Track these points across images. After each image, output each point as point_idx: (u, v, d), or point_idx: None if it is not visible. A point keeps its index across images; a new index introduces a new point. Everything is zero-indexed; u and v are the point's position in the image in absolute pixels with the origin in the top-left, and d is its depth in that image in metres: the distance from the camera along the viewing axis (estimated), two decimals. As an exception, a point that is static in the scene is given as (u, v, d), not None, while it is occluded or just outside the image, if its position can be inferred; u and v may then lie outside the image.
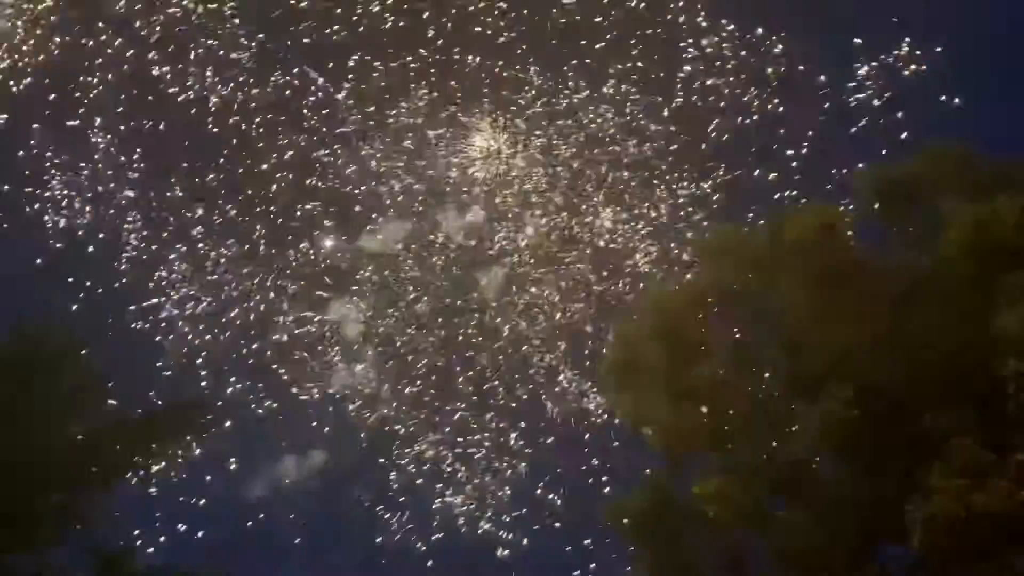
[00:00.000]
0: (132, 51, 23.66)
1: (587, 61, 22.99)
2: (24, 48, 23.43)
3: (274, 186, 24.49)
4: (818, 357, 17.02)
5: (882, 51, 22.54)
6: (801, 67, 22.29)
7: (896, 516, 15.89)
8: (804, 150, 22.18)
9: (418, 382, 24.47)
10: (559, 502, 23.63)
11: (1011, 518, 14.52)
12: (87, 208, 24.66)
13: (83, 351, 16.93)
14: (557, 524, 23.64)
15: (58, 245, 24.69)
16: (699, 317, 18.35)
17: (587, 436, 23.09)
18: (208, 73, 23.81)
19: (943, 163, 18.63)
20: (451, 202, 24.09)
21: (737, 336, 18.75)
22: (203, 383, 24.93)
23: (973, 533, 14.64)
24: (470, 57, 23.33)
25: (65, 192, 24.60)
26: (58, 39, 23.55)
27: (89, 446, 16.03)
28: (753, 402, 18.12)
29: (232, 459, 24.57)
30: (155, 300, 24.80)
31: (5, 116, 23.97)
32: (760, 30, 22.53)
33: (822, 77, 22.52)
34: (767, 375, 18.46)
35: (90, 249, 24.76)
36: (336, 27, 23.42)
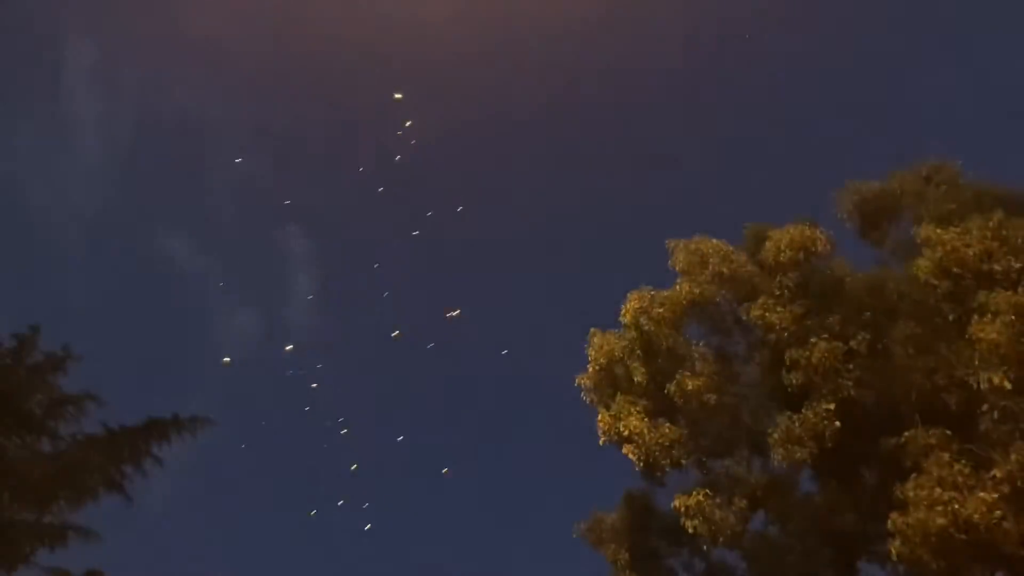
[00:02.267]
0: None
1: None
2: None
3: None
4: (799, 372, 16.99)
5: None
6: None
7: (874, 533, 15.92)
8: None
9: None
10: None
11: (988, 532, 14.58)
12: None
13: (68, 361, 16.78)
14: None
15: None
16: (679, 331, 18.28)
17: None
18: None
19: (924, 180, 18.76)
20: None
21: (717, 350, 18.74)
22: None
23: (951, 546, 14.69)
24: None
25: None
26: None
27: (63, 463, 15.88)
28: (733, 417, 18.07)
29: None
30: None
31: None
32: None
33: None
34: (748, 390, 18.44)
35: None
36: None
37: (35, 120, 37.14)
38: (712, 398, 17.39)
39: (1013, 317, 15.17)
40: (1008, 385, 14.87)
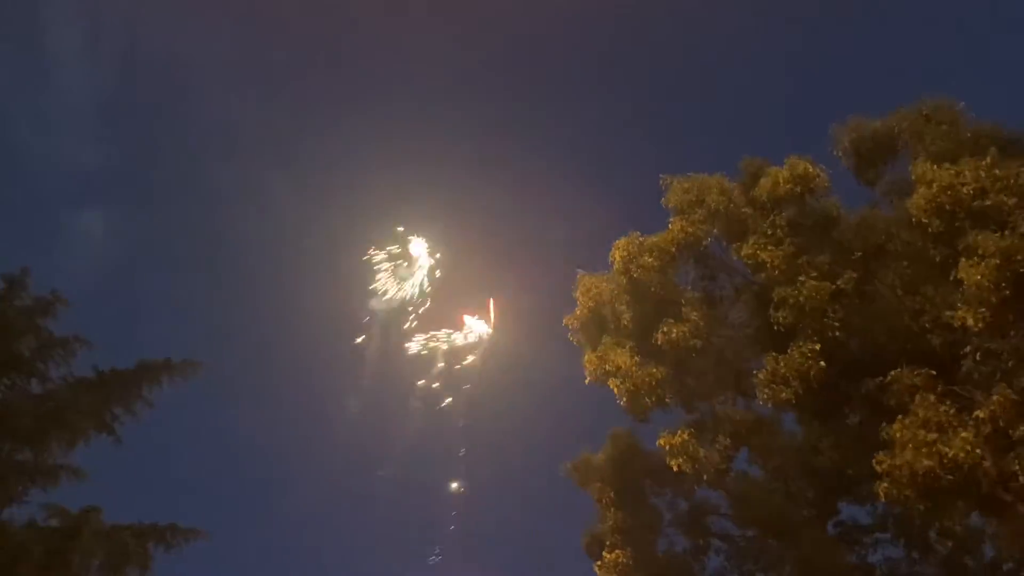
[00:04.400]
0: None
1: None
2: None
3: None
4: (787, 310, 16.87)
5: None
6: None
7: (856, 473, 16.00)
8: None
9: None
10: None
11: (971, 472, 14.64)
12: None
13: (60, 305, 16.92)
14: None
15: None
16: (667, 271, 18.12)
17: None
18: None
19: (924, 119, 18.26)
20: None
21: (705, 290, 18.60)
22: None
23: (936, 486, 14.76)
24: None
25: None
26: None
27: (54, 404, 16.11)
28: (719, 358, 18.04)
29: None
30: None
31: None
32: None
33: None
34: (734, 331, 18.36)
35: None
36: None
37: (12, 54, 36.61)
38: (697, 343, 17.32)
39: (998, 260, 14.95)
40: (980, 325, 14.72)
